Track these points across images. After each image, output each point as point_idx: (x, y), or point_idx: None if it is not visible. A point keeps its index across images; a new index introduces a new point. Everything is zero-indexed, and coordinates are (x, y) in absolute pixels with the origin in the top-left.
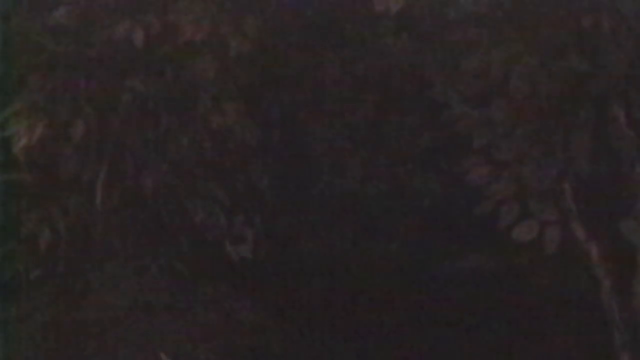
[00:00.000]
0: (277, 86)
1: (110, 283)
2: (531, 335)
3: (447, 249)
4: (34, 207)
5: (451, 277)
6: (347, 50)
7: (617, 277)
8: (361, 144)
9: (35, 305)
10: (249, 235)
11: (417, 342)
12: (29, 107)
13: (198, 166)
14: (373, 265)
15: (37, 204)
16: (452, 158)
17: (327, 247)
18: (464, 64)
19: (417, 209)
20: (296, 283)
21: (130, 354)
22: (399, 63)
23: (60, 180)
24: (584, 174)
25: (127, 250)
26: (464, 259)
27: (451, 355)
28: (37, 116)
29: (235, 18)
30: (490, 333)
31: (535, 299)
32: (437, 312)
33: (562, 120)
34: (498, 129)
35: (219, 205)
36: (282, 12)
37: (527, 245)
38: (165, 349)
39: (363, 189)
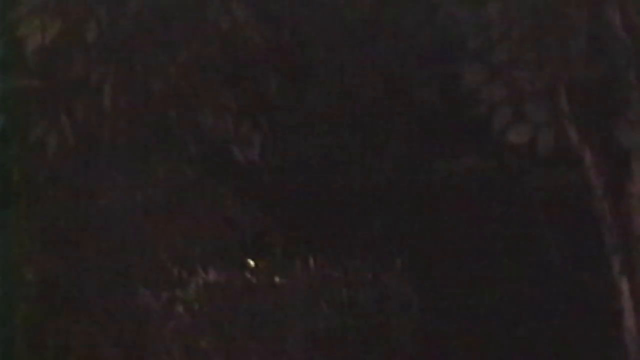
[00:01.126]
0: None
1: (116, 185)
2: (523, 236)
3: (442, 150)
4: (42, 113)
5: (445, 178)
6: None
7: (609, 180)
8: (357, 45)
9: (41, 209)
10: (256, 140)
11: (410, 240)
12: (40, 7)
13: (207, 70)
14: (370, 165)
15: (45, 109)
16: (448, 60)
17: (326, 150)
18: None
19: (412, 110)
20: (299, 186)
21: (129, 253)
22: None
23: (69, 85)
24: (579, 76)
25: (134, 153)
26: (458, 161)
27: (442, 252)
28: (49, 17)
29: None
30: (481, 234)
31: (528, 201)
32: (431, 211)
33: (557, 23)
34: (493, 31)
35: (227, 109)
36: None
37: (520, 148)
38: (160, 248)
39: (359, 90)
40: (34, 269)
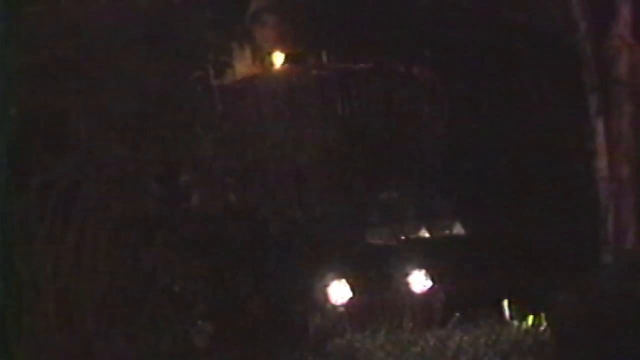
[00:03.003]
0: None
1: None
2: (504, 68)
3: None
4: None
5: (428, 7)
6: None
7: (593, 19)
8: None
9: None
10: None
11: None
12: None
13: None
14: None
15: None
16: None
17: None
18: None
19: None
20: None
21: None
22: None
23: None
24: None
25: None
26: None
27: None
28: None
29: None
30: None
31: (511, 34)
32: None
33: None
34: None
35: None
36: None
37: None
38: None
39: None
40: None
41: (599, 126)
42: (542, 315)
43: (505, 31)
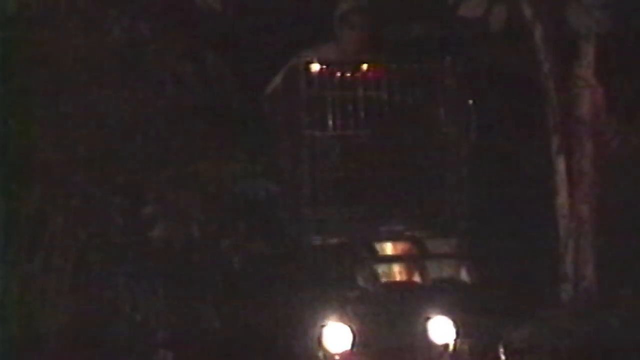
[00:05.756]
0: None
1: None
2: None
3: (391, 14)
4: None
5: (397, 43)
6: None
7: (557, 60)
8: None
9: None
10: None
11: None
12: None
13: None
14: None
15: None
16: None
17: None
18: None
19: None
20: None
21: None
22: None
23: None
24: None
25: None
26: (408, 26)
27: None
28: None
29: None
30: None
31: (474, 73)
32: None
33: None
34: None
35: None
36: None
37: (473, 21)
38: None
39: None
40: None
41: (560, 165)
42: (500, 350)
43: (468, 70)
